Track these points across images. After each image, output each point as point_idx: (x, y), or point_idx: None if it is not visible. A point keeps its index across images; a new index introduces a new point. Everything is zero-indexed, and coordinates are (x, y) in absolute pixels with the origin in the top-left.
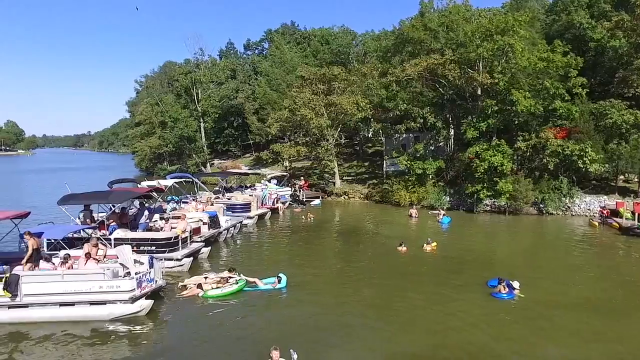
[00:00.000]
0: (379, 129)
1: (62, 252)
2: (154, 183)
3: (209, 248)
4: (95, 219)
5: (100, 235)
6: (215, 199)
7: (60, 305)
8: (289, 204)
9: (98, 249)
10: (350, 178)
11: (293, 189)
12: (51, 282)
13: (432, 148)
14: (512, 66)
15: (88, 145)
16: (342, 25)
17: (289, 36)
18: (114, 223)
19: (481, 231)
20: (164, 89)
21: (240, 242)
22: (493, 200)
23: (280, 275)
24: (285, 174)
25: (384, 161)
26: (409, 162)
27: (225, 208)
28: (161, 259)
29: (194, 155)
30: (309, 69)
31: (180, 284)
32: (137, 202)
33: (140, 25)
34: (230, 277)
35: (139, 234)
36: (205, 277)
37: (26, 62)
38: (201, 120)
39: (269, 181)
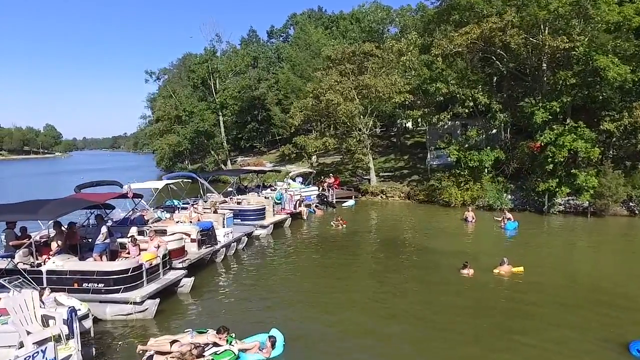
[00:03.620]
0: (420, 117)
1: None
2: (152, 184)
3: (192, 279)
4: (34, 238)
5: (30, 266)
6: (221, 203)
7: None
8: (316, 206)
9: None
10: (387, 174)
11: (321, 187)
12: None
13: (483, 136)
14: (595, 25)
15: (124, 147)
16: (375, 0)
17: (315, 21)
18: (56, 246)
19: (567, 241)
20: (183, 82)
21: (245, 262)
22: (568, 198)
23: (274, 334)
24: (311, 170)
25: (429, 153)
26: (460, 153)
27: (232, 215)
28: (87, 313)
29: (212, 152)
30: (336, 47)
31: (140, 347)
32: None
33: (160, 19)
34: (216, 343)
35: (81, 265)
36: (173, 342)
37: (69, 67)
38: (220, 113)
39: (293, 179)
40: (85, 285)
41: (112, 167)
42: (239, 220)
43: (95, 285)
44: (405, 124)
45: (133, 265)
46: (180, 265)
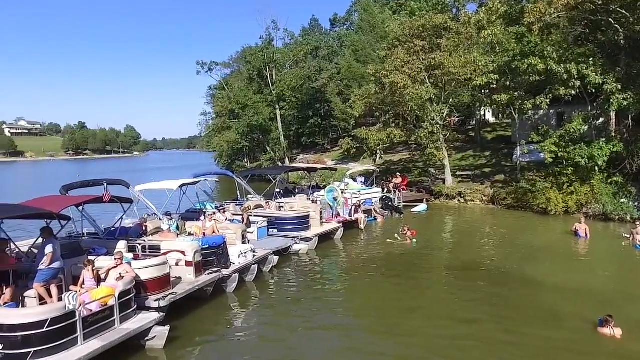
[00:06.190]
0: (506, 102)
1: None
2: (166, 185)
3: (166, 328)
4: None
5: None
6: (256, 207)
7: None
8: (376, 211)
9: None
10: (465, 173)
11: (385, 189)
12: None
13: (587, 127)
14: None
15: (199, 146)
16: None
17: (381, 7)
18: None
19: None
20: (243, 76)
21: (271, 292)
22: None
23: None
24: (374, 168)
25: (517, 148)
26: (561, 149)
27: (266, 223)
28: None
29: (268, 149)
30: (402, 22)
31: None
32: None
33: (227, 17)
34: None
35: None
36: None
37: (154, 73)
38: (277, 106)
39: (354, 179)
40: None
41: (177, 165)
42: (276, 230)
43: None
44: (485, 115)
45: (54, 313)
46: (155, 305)
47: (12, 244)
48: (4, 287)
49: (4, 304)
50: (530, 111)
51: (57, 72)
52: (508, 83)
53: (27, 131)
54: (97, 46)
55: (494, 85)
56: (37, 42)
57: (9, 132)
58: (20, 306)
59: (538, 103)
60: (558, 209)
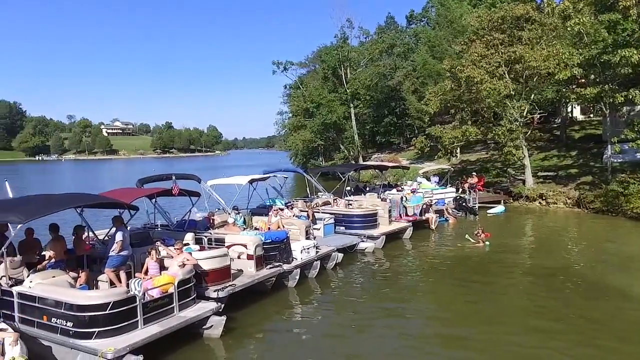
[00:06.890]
0: (595, 96)
1: None
2: (236, 180)
3: (223, 318)
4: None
5: (7, 285)
6: (323, 204)
7: None
8: (448, 212)
9: None
10: (548, 174)
11: (460, 189)
12: None
13: None
14: None
15: (277, 145)
16: None
17: (459, 1)
18: (47, 257)
19: None
20: (318, 75)
21: (333, 289)
22: None
23: None
24: (448, 167)
25: (608, 147)
26: None
27: (333, 221)
28: None
29: (342, 147)
30: (480, 14)
31: None
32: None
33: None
34: None
35: (49, 290)
36: None
37: (240, 75)
38: (351, 105)
39: (428, 178)
40: (54, 321)
41: (254, 163)
42: (343, 228)
43: (64, 323)
44: (572, 112)
45: (115, 297)
46: (214, 295)
47: (89, 231)
48: (80, 271)
49: (78, 286)
50: (624, 107)
51: (148, 74)
52: (593, 77)
53: (121, 131)
54: (182, 49)
55: (582, 80)
56: (128, 47)
57: (106, 132)
58: (94, 289)
59: (631, 97)
60: None
